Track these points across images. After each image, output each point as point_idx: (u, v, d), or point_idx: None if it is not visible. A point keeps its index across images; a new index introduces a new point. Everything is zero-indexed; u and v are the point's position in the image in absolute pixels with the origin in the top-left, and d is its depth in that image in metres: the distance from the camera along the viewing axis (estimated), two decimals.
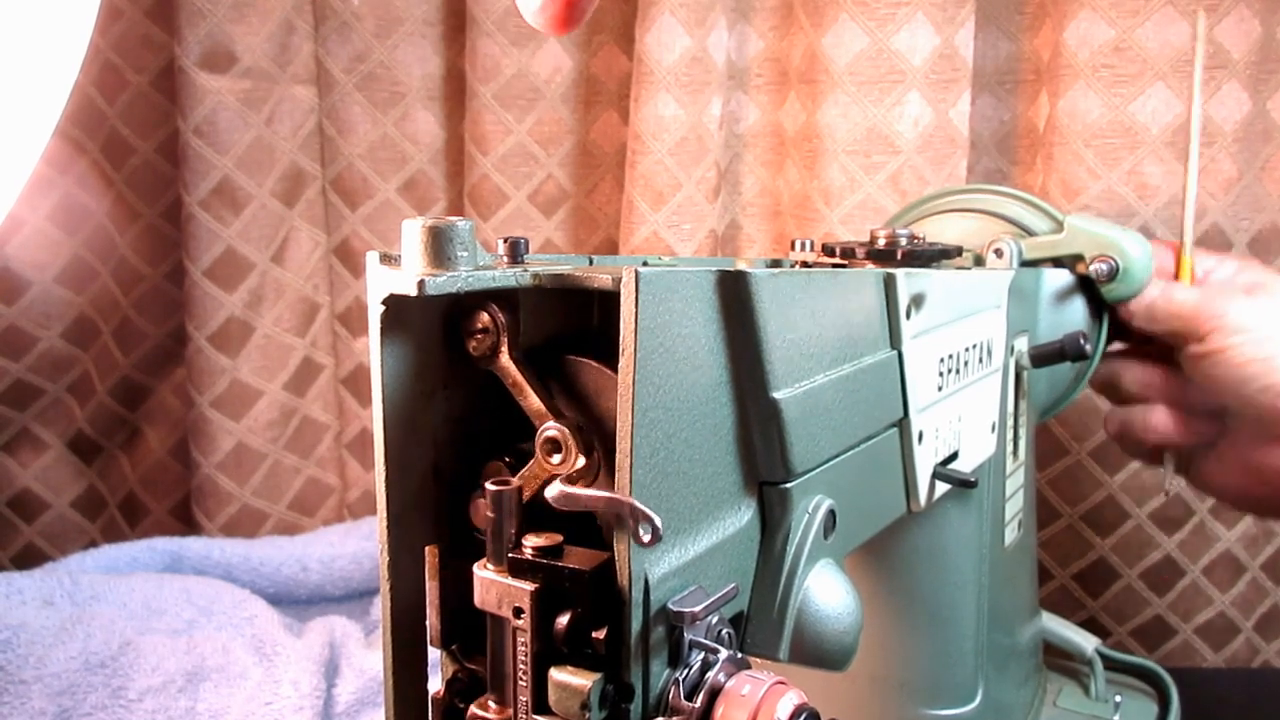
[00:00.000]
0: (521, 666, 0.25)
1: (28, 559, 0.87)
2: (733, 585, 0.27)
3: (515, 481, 0.26)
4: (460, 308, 0.28)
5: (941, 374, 0.42)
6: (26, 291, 0.81)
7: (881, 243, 0.48)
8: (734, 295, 0.28)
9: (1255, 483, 0.55)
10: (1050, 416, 0.71)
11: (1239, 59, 0.73)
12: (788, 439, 0.29)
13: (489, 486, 0.25)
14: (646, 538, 0.24)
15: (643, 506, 0.23)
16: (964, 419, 0.45)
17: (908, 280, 0.38)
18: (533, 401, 0.27)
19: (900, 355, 0.38)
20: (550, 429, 0.26)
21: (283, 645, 0.64)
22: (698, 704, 0.25)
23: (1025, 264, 0.58)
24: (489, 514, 0.25)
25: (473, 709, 0.26)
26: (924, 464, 0.41)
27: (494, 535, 0.26)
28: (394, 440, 0.27)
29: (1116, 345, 0.64)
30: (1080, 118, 0.73)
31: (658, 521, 0.23)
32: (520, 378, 0.27)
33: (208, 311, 0.82)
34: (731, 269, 0.28)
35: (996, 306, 0.49)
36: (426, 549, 0.28)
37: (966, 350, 0.45)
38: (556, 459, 0.26)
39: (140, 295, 0.87)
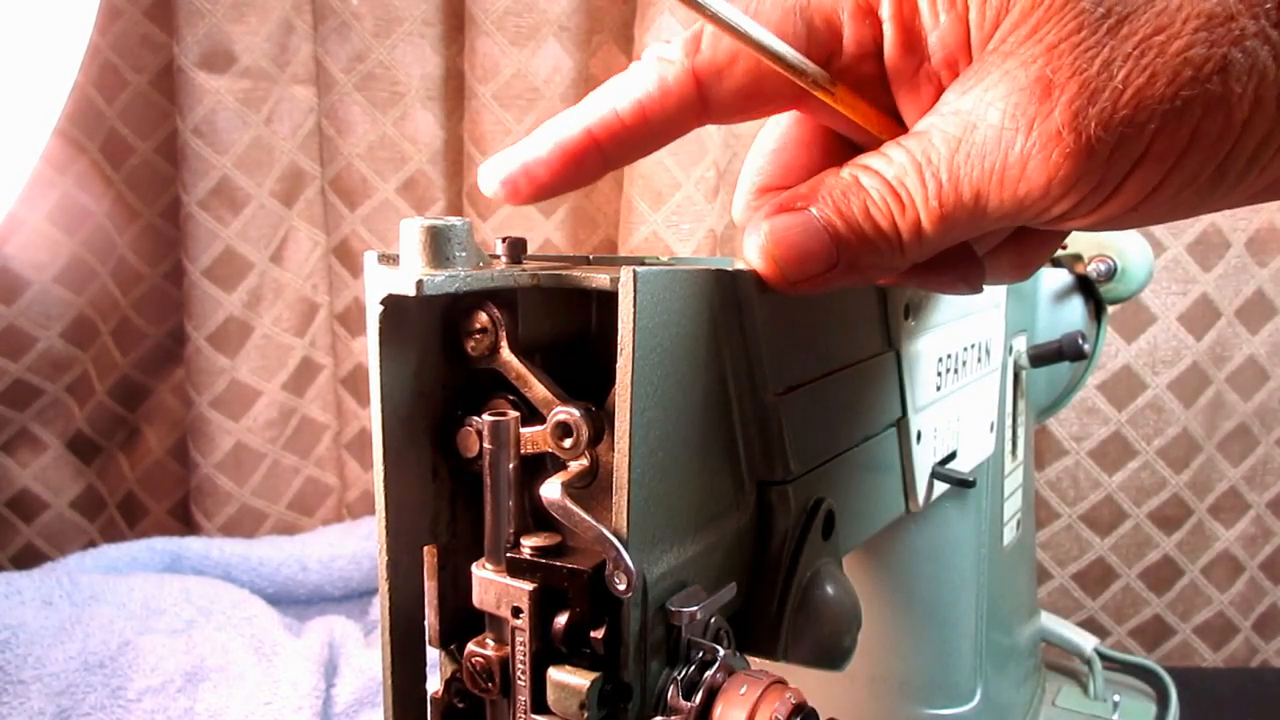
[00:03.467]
0: (520, 666, 0.25)
1: (27, 559, 0.87)
2: (731, 584, 0.27)
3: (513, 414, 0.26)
4: (458, 308, 0.28)
5: (940, 374, 0.42)
6: (26, 291, 0.81)
7: None
8: (733, 295, 0.28)
9: None
10: (1049, 416, 0.71)
11: None
12: (786, 438, 0.29)
13: (487, 418, 0.25)
14: (621, 586, 0.24)
15: (626, 558, 0.24)
16: (962, 419, 0.45)
17: None
18: (539, 391, 0.27)
19: (898, 355, 0.38)
20: (561, 413, 0.26)
21: (282, 645, 0.64)
22: (695, 703, 0.25)
23: None
24: (487, 445, 0.25)
25: (470, 646, 0.26)
26: (923, 463, 0.41)
27: (493, 512, 0.26)
28: (393, 440, 0.27)
29: None
30: None
31: (634, 578, 0.24)
32: (524, 369, 0.27)
33: (207, 311, 0.82)
34: (730, 269, 0.28)
35: (995, 306, 0.49)
36: (425, 549, 0.28)
37: (965, 350, 0.45)
38: (568, 443, 0.26)
39: (139, 295, 0.87)
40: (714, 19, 0.25)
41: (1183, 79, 0.23)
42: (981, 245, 0.33)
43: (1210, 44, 0.23)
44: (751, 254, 0.28)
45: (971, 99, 0.25)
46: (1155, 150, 0.24)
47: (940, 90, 0.27)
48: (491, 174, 0.29)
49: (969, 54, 0.26)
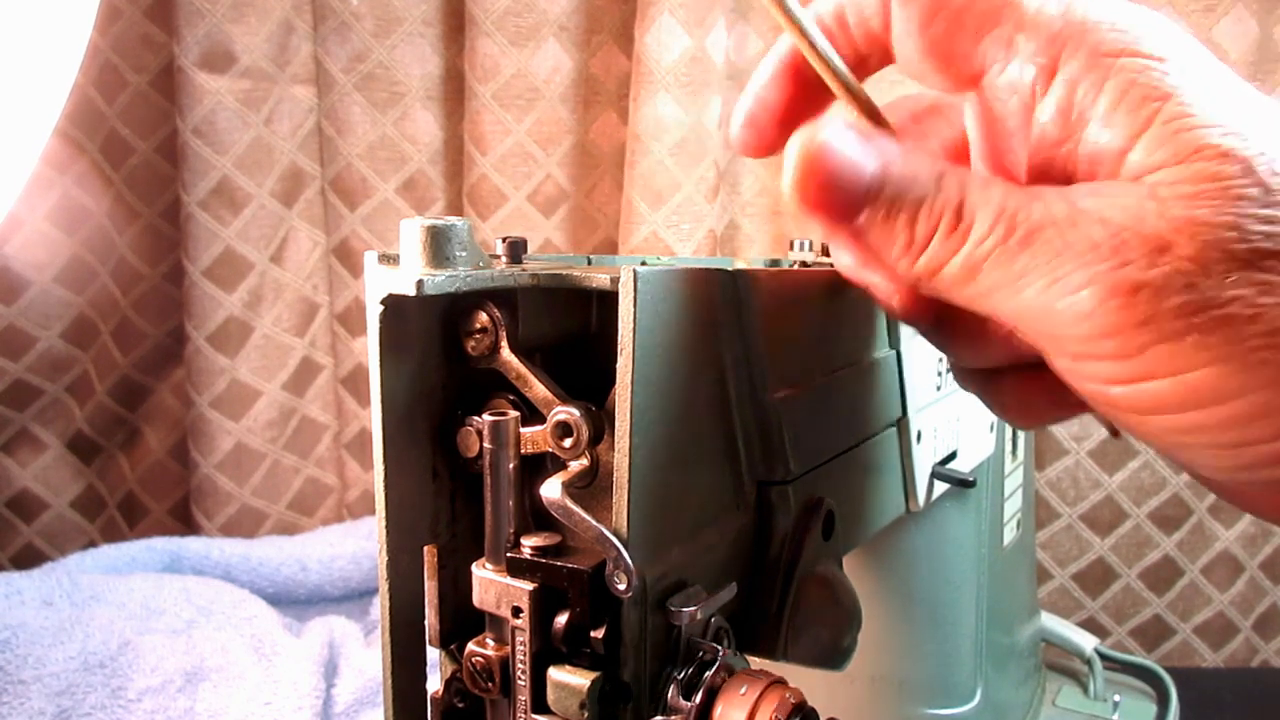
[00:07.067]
0: (520, 666, 0.25)
1: (27, 559, 0.87)
2: (731, 585, 0.27)
3: (513, 413, 0.26)
4: (458, 308, 0.28)
5: (940, 373, 0.42)
6: (26, 291, 0.81)
7: None
8: (733, 295, 0.28)
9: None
10: None
11: (1236, 59, 0.73)
12: (786, 439, 0.29)
13: (487, 417, 0.25)
14: (621, 586, 0.24)
15: (627, 557, 0.24)
16: (962, 418, 0.45)
17: None
18: (539, 391, 0.27)
19: (899, 355, 0.38)
20: (561, 413, 0.26)
21: (282, 645, 0.64)
22: (695, 703, 0.25)
23: None
24: (487, 445, 0.25)
25: (470, 646, 0.26)
26: (923, 463, 0.41)
27: (493, 512, 0.26)
28: (393, 440, 0.27)
29: None
30: None
31: (634, 578, 0.24)
32: (524, 369, 0.27)
33: (207, 311, 0.82)
34: (730, 269, 0.28)
35: None
36: (425, 549, 0.28)
37: None
38: (568, 443, 0.26)
39: (139, 295, 0.87)
40: (792, 21, 0.25)
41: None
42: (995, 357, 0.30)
43: None
44: (793, 142, 0.24)
45: (1096, 204, 0.23)
46: (1202, 381, 0.22)
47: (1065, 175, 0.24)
48: (735, 121, 0.29)
49: (1119, 168, 0.23)
